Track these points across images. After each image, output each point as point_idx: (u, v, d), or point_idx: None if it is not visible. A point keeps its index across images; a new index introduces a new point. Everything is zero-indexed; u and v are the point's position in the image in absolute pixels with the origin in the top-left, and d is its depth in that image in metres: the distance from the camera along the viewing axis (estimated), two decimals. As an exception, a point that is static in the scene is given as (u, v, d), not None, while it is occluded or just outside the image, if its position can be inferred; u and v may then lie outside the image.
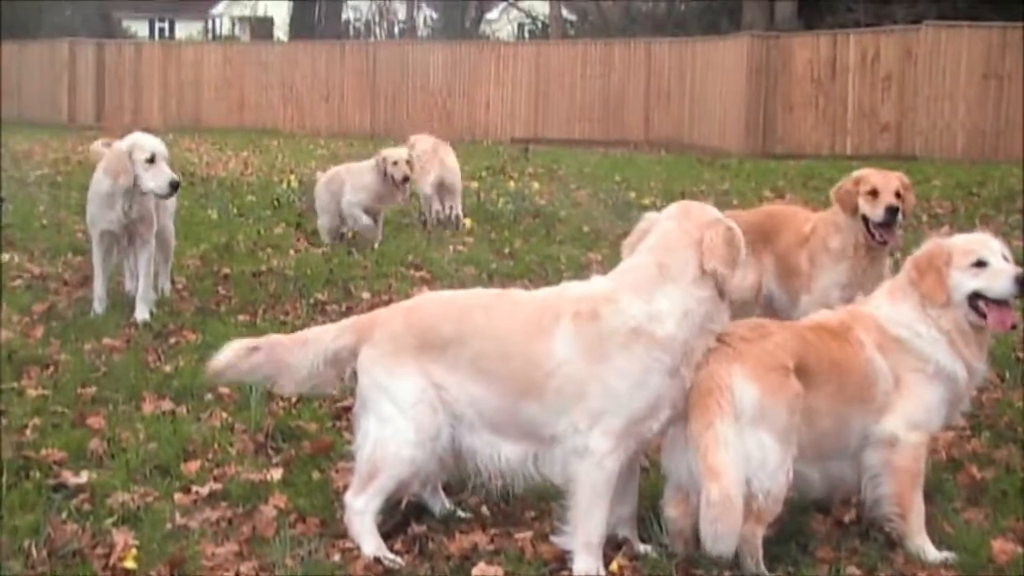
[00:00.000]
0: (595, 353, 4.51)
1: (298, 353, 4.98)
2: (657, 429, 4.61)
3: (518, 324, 4.66)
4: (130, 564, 4.54)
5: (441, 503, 5.18)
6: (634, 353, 4.48)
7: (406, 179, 11.99)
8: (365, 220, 12.12)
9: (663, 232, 4.66)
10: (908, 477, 4.81)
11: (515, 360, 4.62)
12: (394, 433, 4.68)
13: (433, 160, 13.51)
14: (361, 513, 4.73)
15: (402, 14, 58.09)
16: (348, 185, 12.15)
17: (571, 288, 4.81)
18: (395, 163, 11.91)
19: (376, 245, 11.93)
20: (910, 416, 4.84)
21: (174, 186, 8.52)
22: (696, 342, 4.53)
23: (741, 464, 4.40)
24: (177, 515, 5.08)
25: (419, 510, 5.14)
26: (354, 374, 4.92)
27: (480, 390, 4.67)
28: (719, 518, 4.32)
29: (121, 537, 4.78)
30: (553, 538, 4.68)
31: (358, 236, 12.34)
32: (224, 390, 6.78)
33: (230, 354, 5.06)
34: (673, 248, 4.60)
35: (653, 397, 4.50)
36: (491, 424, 4.69)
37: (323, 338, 4.99)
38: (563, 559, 4.66)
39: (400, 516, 5.04)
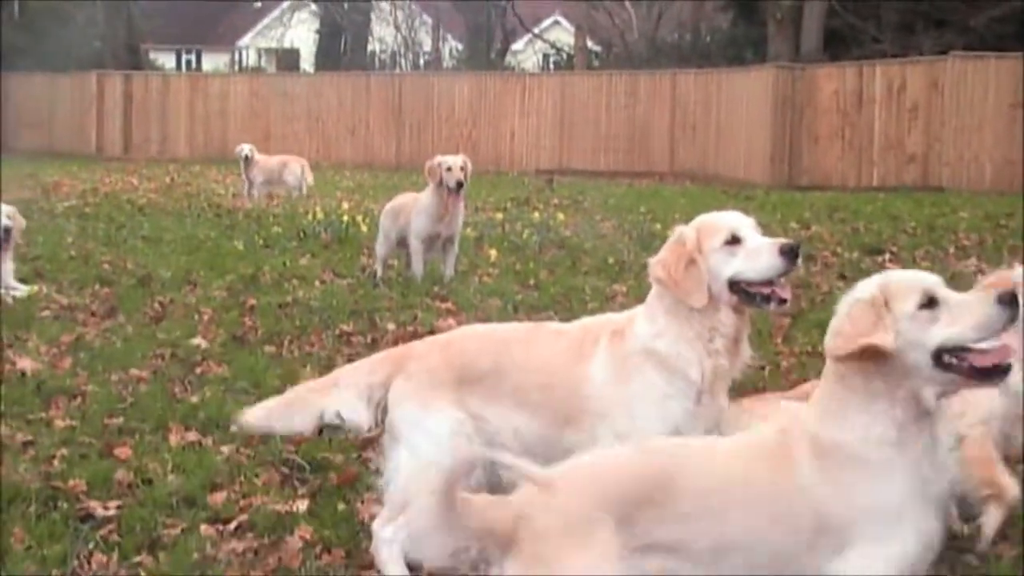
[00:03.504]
0: (621, 375, 4.52)
1: (333, 395, 4.96)
2: None
3: (559, 353, 4.66)
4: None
5: None
6: (649, 375, 4.49)
7: (460, 185, 11.72)
8: (421, 256, 12.00)
9: None
10: None
11: (557, 389, 4.62)
12: (429, 466, 4.66)
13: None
14: (389, 542, 4.72)
15: (428, 45, 58.42)
16: (413, 212, 12.02)
17: (609, 316, 4.88)
18: (448, 168, 11.76)
19: (419, 280, 11.83)
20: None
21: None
22: (707, 364, 4.47)
23: None
24: (207, 546, 5.09)
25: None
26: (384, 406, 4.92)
27: (523, 421, 4.66)
28: None
29: (148, 568, 4.80)
30: None
31: (404, 270, 12.35)
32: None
33: (261, 414, 5.04)
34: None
35: (672, 423, 4.47)
36: (533, 455, 4.68)
37: (356, 376, 4.96)
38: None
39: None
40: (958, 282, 11.89)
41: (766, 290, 4.44)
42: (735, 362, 4.53)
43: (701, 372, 4.46)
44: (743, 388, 7.46)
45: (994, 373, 3.52)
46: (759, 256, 4.42)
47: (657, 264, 4.55)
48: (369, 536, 4.84)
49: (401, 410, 4.78)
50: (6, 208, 11.25)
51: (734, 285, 4.45)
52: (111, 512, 5.44)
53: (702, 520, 3.49)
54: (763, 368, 8.16)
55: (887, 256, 13.60)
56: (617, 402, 4.51)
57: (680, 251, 4.50)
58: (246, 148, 22.42)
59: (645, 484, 3.50)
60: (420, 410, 4.72)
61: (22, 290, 10.94)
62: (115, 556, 4.94)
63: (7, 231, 11.04)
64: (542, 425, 4.64)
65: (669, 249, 4.57)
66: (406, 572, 4.71)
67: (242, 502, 5.66)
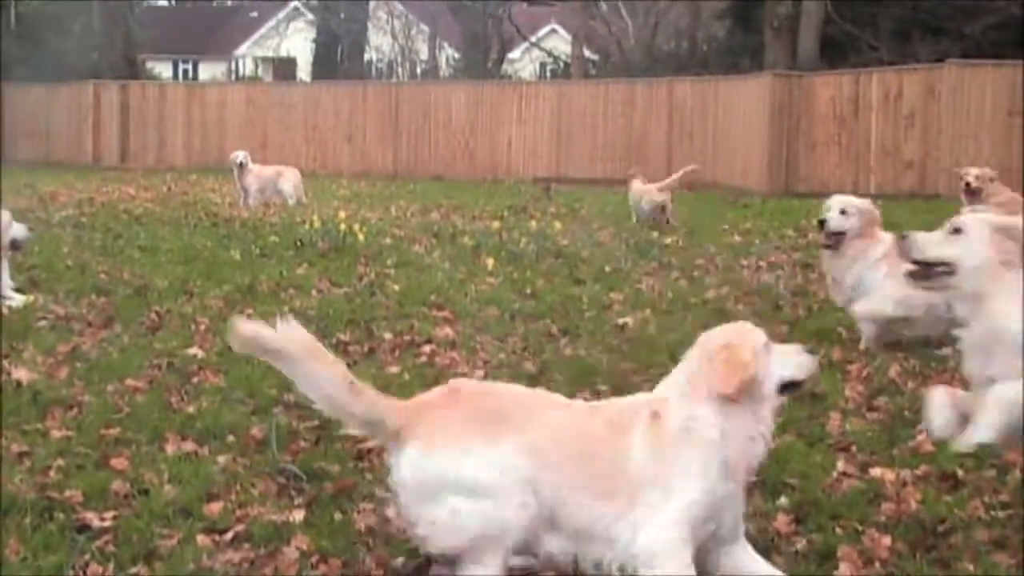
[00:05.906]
0: (659, 452, 4.58)
1: (314, 364, 4.99)
2: (710, 533, 4.60)
3: (600, 425, 4.70)
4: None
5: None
6: (688, 452, 4.56)
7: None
8: None
9: (692, 353, 4.84)
10: None
11: (600, 461, 4.61)
12: (492, 504, 4.52)
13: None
14: None
15: (424, 54, 58.53)
16: None
17: (641, 396, 4.99)
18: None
19: None
20: None
21: None
22: (740, 451, 4.64)
23: None
24: (203, 556, 5.06)
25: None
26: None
27: (560, 489, 4.58)
28: None
29: (144, 579, 4.78)
30: None
31: None
32: (253, 431, 6.77)
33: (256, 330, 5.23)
34: (693, 370, 4.77)
35: (712, 495, 4.55)
36: (567, 527, 4.60)
37: (353, 394, 4.79)
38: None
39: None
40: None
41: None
42: (765, 449, 4.78)
43: (736, 456, 4.63)
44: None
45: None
46: (795, 359, 4.91)
47: (723, 381, 4.66)
48: (366, 546, 4.81)
49: (433, 463, 4.58)
50: (6, 214, 11.26)
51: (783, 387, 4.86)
52: (107, 523, 5.41)
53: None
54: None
55: (885, 263, 13.55)
56: (656, 476, 4.54)
57: (739, 363, 4.71)
58: (240, 155, 22.56)
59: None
60: (459, 453, 4.57)
61: (18, 300, 10.91)
62: (111, 567, 4.91)
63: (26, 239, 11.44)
64: (580, 496, 4.57)
65: (727, 363, 4.71)
66: None
67: (238, 512, 5.63)
